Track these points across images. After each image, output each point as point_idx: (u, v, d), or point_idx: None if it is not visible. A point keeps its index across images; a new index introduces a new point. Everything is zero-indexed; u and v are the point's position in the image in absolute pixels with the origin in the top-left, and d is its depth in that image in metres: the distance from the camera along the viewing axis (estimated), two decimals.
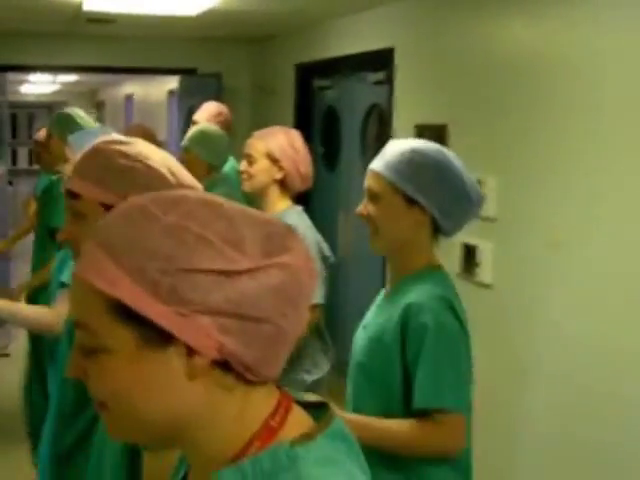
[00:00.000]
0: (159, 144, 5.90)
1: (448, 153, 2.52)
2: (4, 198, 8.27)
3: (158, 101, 11.59)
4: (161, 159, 1.98)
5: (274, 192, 3.86)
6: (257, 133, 3.96)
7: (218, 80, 8.04)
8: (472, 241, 4.54)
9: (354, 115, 6.36)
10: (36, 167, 11.32)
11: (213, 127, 5.39)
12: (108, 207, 1.90)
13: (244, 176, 3.89)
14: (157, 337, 1.09)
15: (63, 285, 3.07)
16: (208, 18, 6.31)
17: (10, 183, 9.85)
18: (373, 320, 2.58)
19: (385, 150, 2.55)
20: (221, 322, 1.08)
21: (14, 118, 16.58)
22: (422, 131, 5.09)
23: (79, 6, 5.98)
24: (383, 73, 5.73)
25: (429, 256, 2.55)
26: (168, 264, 1.07)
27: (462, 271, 4.66)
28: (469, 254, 4.59)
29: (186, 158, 5.26)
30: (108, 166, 1.94)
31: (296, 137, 3.92)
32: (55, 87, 15.80)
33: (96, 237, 1.12)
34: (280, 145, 3.82)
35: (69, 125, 4.99)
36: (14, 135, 16.70)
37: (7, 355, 7.76)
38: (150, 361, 1.10)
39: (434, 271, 2.54)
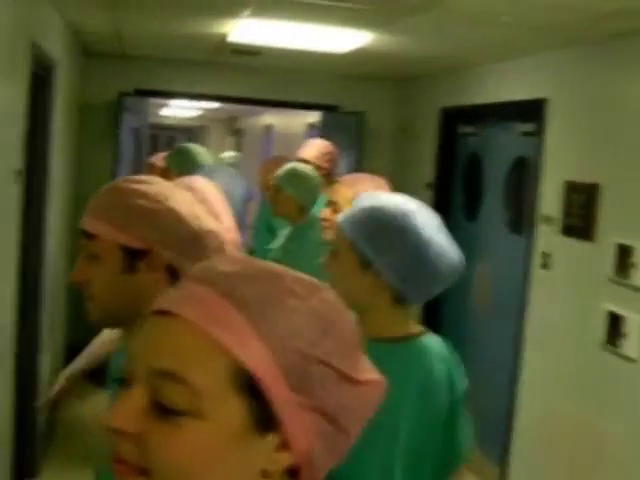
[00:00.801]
0: None
1: (417, 213, 2.27)
2: None
3: (297, 133, 11.54)
4: (183, 200, 1.90)
5: None
6: (344, 179, 3.72)
7: (361, 119, 7.90)
8: (620, 310, 4.25)
9: (499, 165, 6.11)
10: None
11: (305, 167, 5.23)
12: (126, 249, 1.83)
13: (326, 224, 3.63)
14: (265, 420, 0.96)
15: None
16: (356, 56, 6.18)
17: None
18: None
19: (354, 203, 2.35)
20: (323, 425, 1.00)
21: (155, 139, 16.81)
22: (571, 188, 4.83)
23: (224, 37, 5.93)
24: (533, 124, 5.47)
25: (393, 326, 2.28)
26: (309, 349, 0.96)
27: (605, 341, 4.37)
28: (615, 324, 4.29)
29: (277, 197, 5.10)
30: (126, 206, 1.85)
31: (384, 186, 3.63)
32: (196, 112, 15.98)
33: (216, 285, 0.98)
34: (368, 192, 3.58)
35: (187, 161, 4.91)
36: None
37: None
38: (242, 442, 0.96)
39: (416, 339, 2.30)
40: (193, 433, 0.94)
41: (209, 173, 3.93)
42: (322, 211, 3.72)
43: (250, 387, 0.95)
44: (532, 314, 5.25)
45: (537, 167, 5.29)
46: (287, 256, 4.89)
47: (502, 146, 6.10)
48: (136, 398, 0.97)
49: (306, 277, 1.05)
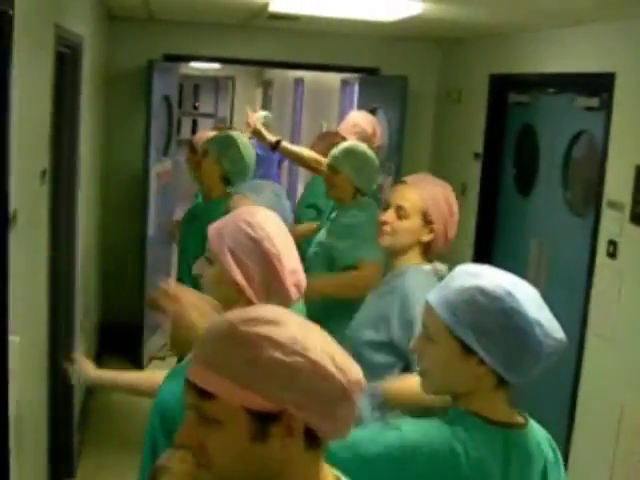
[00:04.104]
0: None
1: (519, 290, 2.04)
2: (171, 193, 7.96)
3: (330, 89, 11.12)
4: (320, 345, 1.50)
5: (414, 254, 3.25)
6: (411, 181, 3.30)
7: (403, 83, 7.45)
8: None
9: (556, 140, 5.69)
10: None
11: (363, 146, 4.83)
12: (254, 413, 1.44)
13: (386, 228, 3.25)
14: None
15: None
16: (402, 23, 5.76)
17: None
18: None
19: (447, 281, 2.11)
20: None
21: (180, 88, 16.45)
22: None
23: (265, 6, 5.54)
24: (597, 99, 5.06)
25: (495, 411, 2.06)
26: None
27: None
28: None
29: (333, 178, 4.70)
30: (256, 361, 1.45)
31: (452, 194, 3.31)
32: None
33: None
34: (438, 204, 3.23)
35: (228, 149, 4.57)
36: (179, 105, 16.64)
37: (162, 358, 7.49)
38: None
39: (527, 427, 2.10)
40: None
41: (256, 189, 3.60)
42: (384, 214, 3.34)
43: None
44: (596, 303, 4.91)
45: (602, 147, 4.89)
46: (330, 241, 4.57)
47: (560, 119, 5.68)
48: None
49: None
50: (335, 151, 4.73)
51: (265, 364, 1.44)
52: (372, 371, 3.16)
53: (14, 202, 3.01)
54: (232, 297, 2.34)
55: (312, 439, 1.50)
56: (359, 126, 5.77)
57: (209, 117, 19.19)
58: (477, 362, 2.02)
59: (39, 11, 3.71)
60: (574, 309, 5.04)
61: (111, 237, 7.65)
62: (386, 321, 3.16)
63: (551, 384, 5.13)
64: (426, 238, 3.22)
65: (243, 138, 4.80)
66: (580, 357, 5.00)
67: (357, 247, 4.46)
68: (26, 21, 3.23)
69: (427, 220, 3.21)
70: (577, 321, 4.98)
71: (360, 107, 7.77)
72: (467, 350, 2.02)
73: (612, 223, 4.76)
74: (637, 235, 4.52)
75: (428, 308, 2.10)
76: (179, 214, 6.10)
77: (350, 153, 4.68)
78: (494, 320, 1.99)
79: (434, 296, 2.09)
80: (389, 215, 3.27)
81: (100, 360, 7.37)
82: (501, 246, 6.53)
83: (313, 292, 4.18)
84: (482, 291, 2.01)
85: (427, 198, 3.22)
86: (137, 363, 7.37)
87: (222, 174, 4.62)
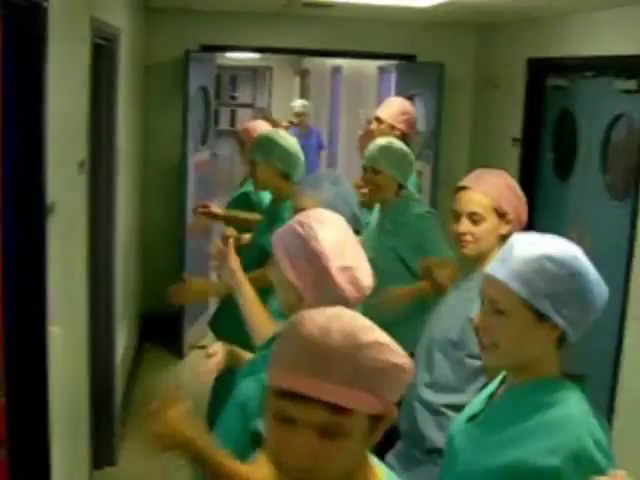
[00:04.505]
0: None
1: (582, 256, 2.14)
2: (209, 182, 8.00)
3: (367, 76, 11.11)
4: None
5: (498, 249, 3.24)
6: (472, 184, 3.27)
7: (440, 70, 7.39)
8: None
9: (594, 123, 5.65)
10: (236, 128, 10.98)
11: (398, 143, 4.77)
12: (374, 417, 1.47)
13: (468, 238, 3.25)
14: None
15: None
16: (438, 8, 5.74)
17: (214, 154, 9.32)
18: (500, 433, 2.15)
19: (509, 254, 2.15)
20: None
21: (218, 79, 16.50)
22: None
23: None
24: (635, 82, 5.02)
25: (554, 367, 2.18)
26: None
27: None
28: None
29: (376, 180, 4.65)
30: (382, 367, 1.47)
31: (510, 179, 3.34)
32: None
33: None
34: (506, 195, 3.24)
35: (272, 150, 4.50)
36: (217, 96, 16.67)
37: (203, 347, 7.53)
38: None
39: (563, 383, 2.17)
40: None
41: (314, 185, 3.54)
42: (458, 225, 3.32)
43: None
44: (636, 287, 4.88)
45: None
46: (382, 245, 4.54)
47: (598, 103, 5.64)
48: None
49: None
50: (371, 151, 4.68)
51: (388, 370, 1.48)
52: (458, 370, 3.23)
53: (52, 193, 3.05)
54: (294, 301, 2.38)
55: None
56: (407, 113, 5.75)
57: (247, 107, 19.21)
58: (549, 328, 2.10)
59: (75, 4, 3.75)
60: (614, 293, 4.95)
61: (150, 226, 7.70)
62: None
63: (591, 369, 5.11)
64: (504, 231, 3.22)
65: (279, 132, 4.72)
66: (620, 341, 4.97)
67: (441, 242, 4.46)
68: (62, 14, 3.26)
69: (501, 214, 3.23)
70: (617, 305, 4.95)
71: (398, 94, 7.72)
72: (541, 318, 2.09)
73: None
74: None
75: (493, 282, 2.14)
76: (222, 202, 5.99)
77: (387, 150, 4.64)
78: (565, 285, 2.07)
79: (499, 270, 2.13)
80: (465, 225, 3.27)
81: (141, 349, 7.44)
82: (540, 230, 6.44)
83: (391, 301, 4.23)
84: (550, 258, 2.08)
85: (493, 193, 3.23)
86: (177, 352, 7.43)
87: (279, 173, 4.51)
